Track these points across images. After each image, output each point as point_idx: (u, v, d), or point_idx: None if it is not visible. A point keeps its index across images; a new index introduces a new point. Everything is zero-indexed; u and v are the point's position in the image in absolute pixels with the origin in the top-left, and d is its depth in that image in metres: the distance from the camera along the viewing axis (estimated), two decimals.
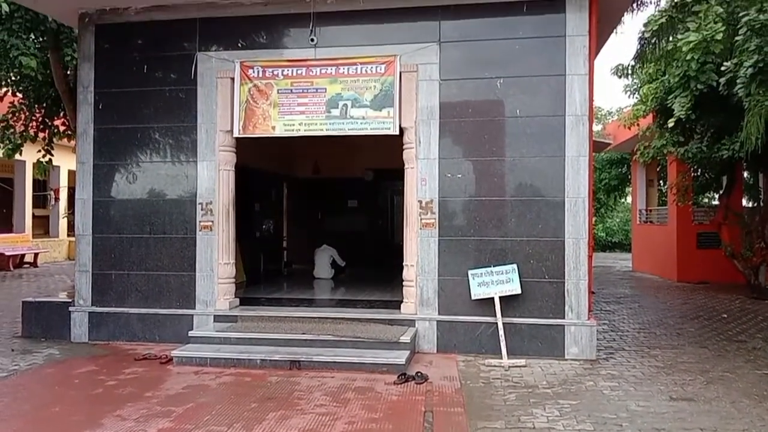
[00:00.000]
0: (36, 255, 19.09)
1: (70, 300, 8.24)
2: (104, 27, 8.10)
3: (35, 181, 20.38)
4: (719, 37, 6.36)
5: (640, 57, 9.85)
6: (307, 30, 7.60)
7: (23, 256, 18.74)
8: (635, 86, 14.09)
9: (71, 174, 19.30)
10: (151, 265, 7.93)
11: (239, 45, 7.81)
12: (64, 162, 18.06)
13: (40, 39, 9.79)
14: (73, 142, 9.47)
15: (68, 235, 21.36)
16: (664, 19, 7.19)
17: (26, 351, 7.50)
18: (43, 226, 21.85)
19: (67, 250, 21.49)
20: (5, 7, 6.84)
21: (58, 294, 10.36)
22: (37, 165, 12.49)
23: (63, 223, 21.58)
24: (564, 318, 7.07)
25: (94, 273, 8.06)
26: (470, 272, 7.16)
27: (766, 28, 6.37)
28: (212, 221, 7.79)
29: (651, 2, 10.78)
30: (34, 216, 20.68)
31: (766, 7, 6.25)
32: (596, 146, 17.25)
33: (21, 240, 19.11)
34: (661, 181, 20.09)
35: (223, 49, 7.83)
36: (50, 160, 11.83)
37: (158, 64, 7.99)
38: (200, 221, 7.82)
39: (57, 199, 21.42)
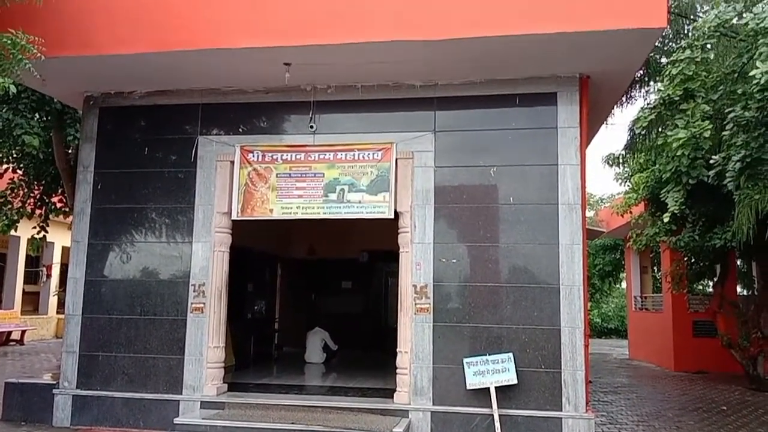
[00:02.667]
0: (23, 332, 18.69)
1: (55, 382, 8.01)
2: (108, 109, 8.30)
3: (27, 257, 20.25)
4: (707, 134, 6.57)
5: (630, 148, 10.11)
6: (307, 117, 7.79)
7: (10, 333, 18.35)
8: (626, 174, 14.38)
9: (65, 250, 19.21)
10: (140, 348, 7.77)
11: (240, 130, 7.99)
12: (59, 238, 18.03)
13: (45, 118, 9.99)
14: (69, 219, 9.49)
15: (57, 313, 20.99)
16: (653, 116, 7.44)
17: None
18: (32, 303, 21.52)
19: (55, 327, 21.07)
20: (13, 89, 7.01)
21: (42, 375, 10.08)
22: (31, 241, 12.45)
23: (53, 301, 21.27)
24: (561, 410, 6.88)
25: (80, 354, 7.88)
26: (465, 361, 7.03)
27: (751, 124, 6.59)
28: (204, 303, 7.71)
29: (640, 96, 11.20)
30: (24, 292, 20.40)
31: (750, 104, 6.49)
32: (590, 234, 17.40)
33: (9, 317, 18.76)
34: (655, 268, 20.13)
35: (224, 133, 8.00)
36: (44, 236, 11.81)
37: (159, 146, 8.13)
38: (192, 303, 7.73)
39: (49, 275, 21.21)
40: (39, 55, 6.28)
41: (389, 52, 6.78)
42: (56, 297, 20.86)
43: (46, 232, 11.74)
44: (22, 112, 9.24)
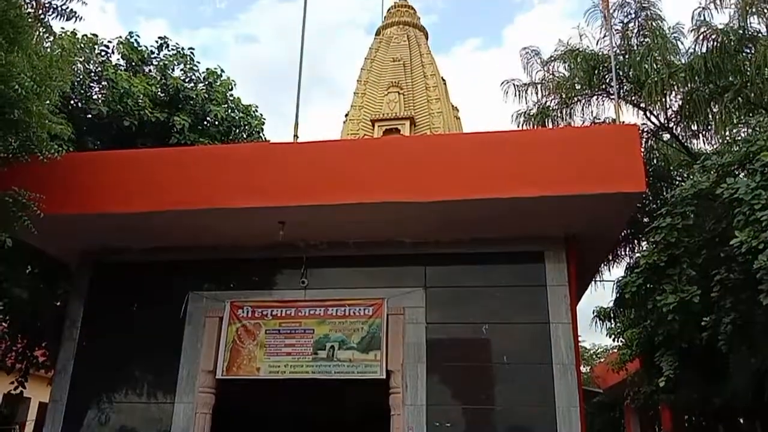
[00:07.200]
0: None
1: None
2: (101, 266, 8.33)
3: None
4: (696, 300, 6.64)
5: (619, 305, 10.12)
6: (299, 272, 7.83)
7: None
8: (619, 329, 14.24)
9: (42, 406, 18.27)
10: None
11: (231, 285, 8.02)
12: (37, 393, 17.17)
13: (37, 271, 9.95)
14: (50, 373, 9.15)
15: None
16: (641, 280, 7.55)
17: None
18: None
19: None
20: (8, 242, 7.06)
21: None
22: (7, 397, 11.89)
23: None
24: None
25: None
26: None
27: (737, 286, 6.66)
28: None
29: (626, 254, 11.45)
30: None
31: (734, 267, 6.60)
32: (586, 395, 16.88)
33: None
34: (656, 427, 19.32)
35: (215, 289, 7.99)
36: (21, 392, 11.31)
37: (149, 303, 8.07)
38: None
39: None
40: (39, 212, 6.38)
41: (380, 212, 7.01)
42: None
43: (24, 387, 11.26)
44: (15, 265, 9.23)
